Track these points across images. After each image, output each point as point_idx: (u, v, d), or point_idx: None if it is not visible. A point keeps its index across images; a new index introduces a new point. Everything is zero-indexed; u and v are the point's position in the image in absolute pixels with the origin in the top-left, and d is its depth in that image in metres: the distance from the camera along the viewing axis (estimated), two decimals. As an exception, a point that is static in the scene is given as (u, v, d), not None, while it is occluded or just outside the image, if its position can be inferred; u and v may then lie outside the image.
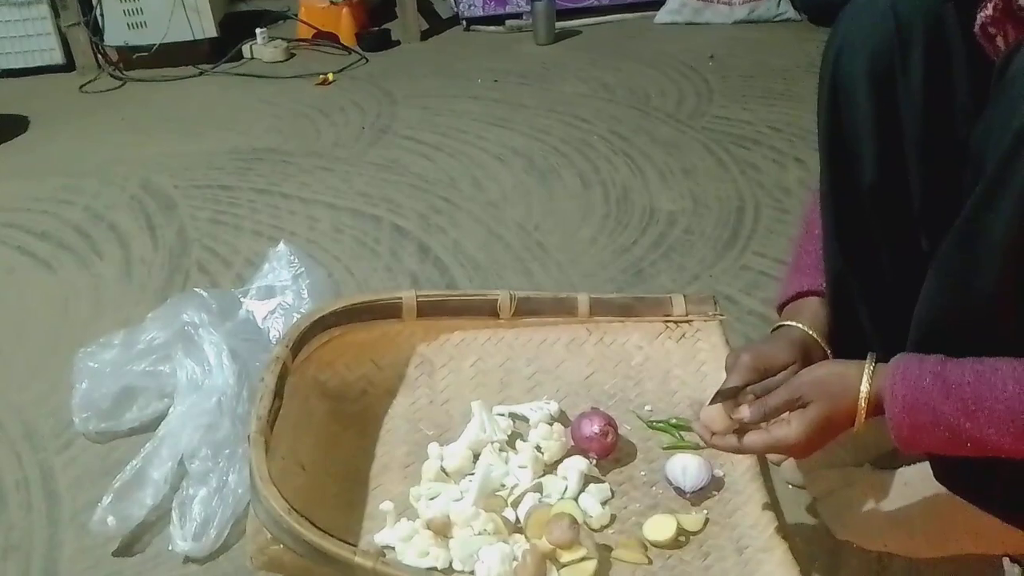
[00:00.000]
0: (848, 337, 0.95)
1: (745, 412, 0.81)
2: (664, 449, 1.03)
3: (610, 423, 1.03)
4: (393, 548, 0.92)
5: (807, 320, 0.90)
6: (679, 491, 0.98)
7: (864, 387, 0.73)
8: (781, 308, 0.94)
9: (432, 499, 0.98)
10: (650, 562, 0.90)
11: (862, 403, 0.74)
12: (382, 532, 0.93)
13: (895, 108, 0.78)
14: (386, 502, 0.95)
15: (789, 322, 0.90)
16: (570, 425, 1.07)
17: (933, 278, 0.75)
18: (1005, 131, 0.63)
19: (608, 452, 1.03)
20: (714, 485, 0.99)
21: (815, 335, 0.89)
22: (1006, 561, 0.87)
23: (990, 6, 0.71)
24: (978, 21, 0.72)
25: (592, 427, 1.02)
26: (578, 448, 1.04)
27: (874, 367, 0.74)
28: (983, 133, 0.67)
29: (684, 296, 1.17)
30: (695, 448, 1.01)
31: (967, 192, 0.69)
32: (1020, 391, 0.67)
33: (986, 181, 0.66)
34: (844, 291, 0.90)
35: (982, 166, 0.66)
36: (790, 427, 0.77)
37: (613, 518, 0.96)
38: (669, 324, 1.16)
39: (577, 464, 1.01)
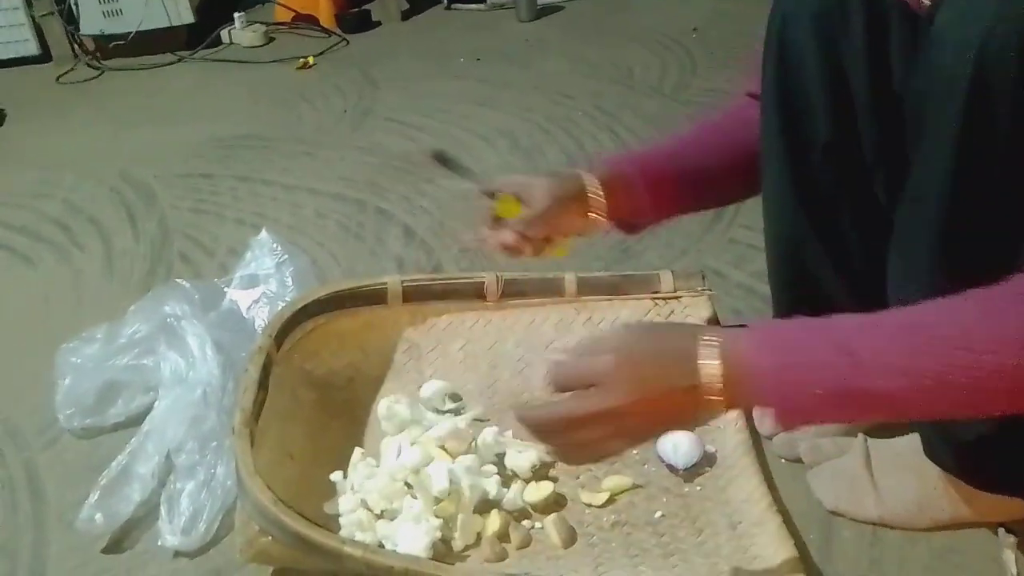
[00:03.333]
0: (810, 306, 0.95)
1: None
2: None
3: (600, 403, 1.02)
4: (339, 516, 0.92)
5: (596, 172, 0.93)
6: (671, 468, 0.98)
7: (702, 336, 0.62)
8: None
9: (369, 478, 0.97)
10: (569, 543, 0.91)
11: (700, 345, 0.61)
12: (330, 502, 0.94)
13: (842, 67, 0.81)
14: (336, 472, 0.95)
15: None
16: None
17: (894, 257, 0.76)
18: (936, 82, 0.65)
19: (599, 432, 1.02)
20: (706, 461, 0.98)
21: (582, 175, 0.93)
22: (1001, 531, 0.87)
23: None
24: None
25: (582, 407, 1.01)
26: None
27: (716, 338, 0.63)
28: (919, 86, 0.69)
29: (672, 272, 1.16)
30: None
31: (911, 148, 0.71)
32: (911, 315, 0.60)
33: (926, 134, 0.67)
34: (803, 256, 0.91)
35: (922, 120, 0.68)
36: (607, 357, 0.63)
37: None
38: (658, 301, 1.15)
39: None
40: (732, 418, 1.02)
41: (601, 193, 0.92)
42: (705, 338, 0.62)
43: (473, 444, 1.01)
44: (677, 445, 0.97)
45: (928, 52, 0.67)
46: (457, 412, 1.08)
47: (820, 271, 0.91)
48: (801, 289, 0.95)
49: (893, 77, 0.80)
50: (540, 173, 0.96)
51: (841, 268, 0.91)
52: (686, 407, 0.63)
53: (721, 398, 0.62)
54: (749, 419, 1.02)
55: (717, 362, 0.61)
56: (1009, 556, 0.85)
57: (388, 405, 1.03)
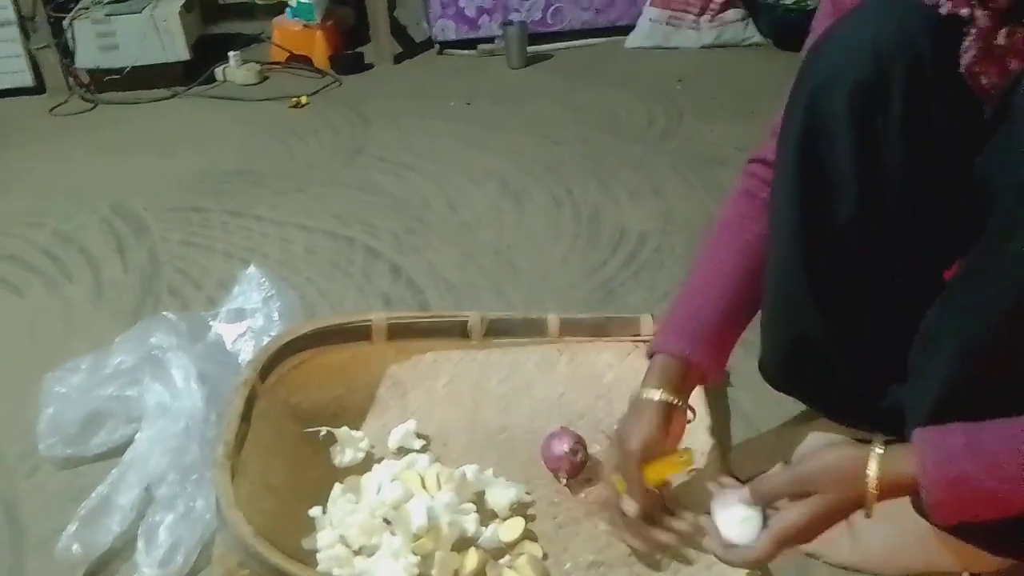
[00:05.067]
0: (802, 370, 0.96)
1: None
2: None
3: (580, 442, 1.03)
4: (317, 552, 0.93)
5: (650, 380, 0.93)
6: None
7: (873, 475, 0.72)
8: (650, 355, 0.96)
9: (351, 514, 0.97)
10: None
11: (872, 491, 0.72)
12: (309, 537, 0.94)
13: (876, 145, 0.79)
14: (316, 507, 0.96)
15: (649, 390, 0.92)
16: (540, 444, 1.07)
17: (950, 318, 0.75)
18: (1019, 167, 0.64)
19: (578, 471, 1.03)
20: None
21: (652, 395, 0.91)
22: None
23: (972, 48, 0.73)
24: (963, 64, 0.74)
25: (562, 446, 1.03)
26: (548, 467, 1.05)
27: (884, 449, 0.73)
28: (990, 163, 0.68)
29: (652, 315, 1.18)
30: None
31: (972, 220, 0.69)
32: None
33: (1003, 216, 0.66)
34: (803, 326, 0.91)
35: (991, 197, 0.67)
36: (790, 515, 0.76)
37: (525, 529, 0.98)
38: (638, 343, 1.17)
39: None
40: (709, 455, 1.04)
41: (679, 406, 0.93)
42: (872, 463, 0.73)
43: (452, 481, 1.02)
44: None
45: (1011, 131, 0.66)
46: (423, 451, 1.09)
47: (819, 342, 0.91)
48: (795, 355, 0.95)
49: (934, 156, 0.78)
50: (622, 434, 0.92)
51: (842, 340, 0.90)
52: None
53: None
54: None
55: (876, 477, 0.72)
56: (972, 599, 0.87)
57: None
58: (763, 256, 0.91)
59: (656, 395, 0.91)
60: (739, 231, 0.94)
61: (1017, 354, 0.69)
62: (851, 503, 0.74)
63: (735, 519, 0.80)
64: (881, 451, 0.73)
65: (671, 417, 0.92)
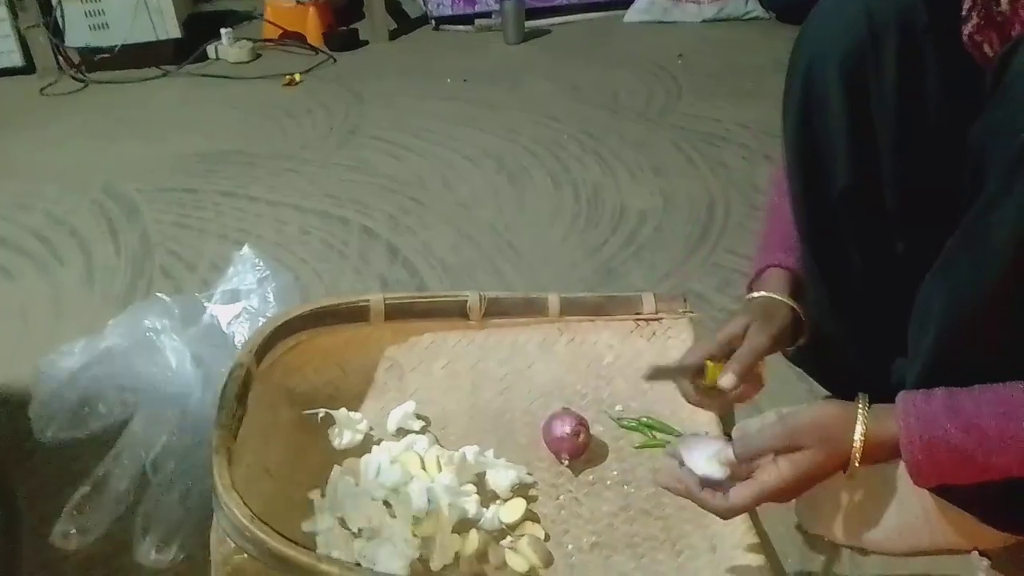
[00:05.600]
0: (817, 361, 0.96)
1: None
2: (636, 448, 1.03)
3: (581, 423, 1.02)
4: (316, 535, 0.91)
5: (768, 287, 0.90)
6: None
7: (859, 435, 0.72)
8: (749, 290, 0.94)
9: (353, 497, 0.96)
10: (546, 565, 0.90)
11: (856, 451, 0.72)
12: (307, 521, 0.93)
13: (868, 111, 0.78)
14: (314, 490, 0.94)
15: (752, 294, 0.90)
16: (541, 426, 1.06)
17: (939, 287, 0.74)
18: (1009, 138, 0.63)
19: (580, 452, 1.02)
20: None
21: (777, 296, 0.89)
22: (975, 555, 0.88)
23: (974, 16, 0.71)
24: (965, 32, 0.73)
25: (563, 427, 1.01)
26: (550, 449, 1.04)
27: (868, 408, 0.73)
28: (984, 134, 0.67)
29: (654, 294, 1.17)
30: (666, 446, 1.01)
31: (967, 191, 0.69)
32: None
33: (991, 186, 0.66)
34: (815, 298, 0.90)
35: (983, 168, 0.67)
36: (778, 471, 0.74)
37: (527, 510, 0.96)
38: (639, 323, 1.16)
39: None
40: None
41: (802, 309, 0.89)
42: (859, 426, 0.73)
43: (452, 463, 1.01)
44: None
45: (1001, 103, 0.65)
46: (422, 433, 1.07)
47: (823, 317, 0.90)
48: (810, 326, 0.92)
49: (926, 123, 0.77)
50: (741, 315, 0.90)
51: (845, 315, 0.90)
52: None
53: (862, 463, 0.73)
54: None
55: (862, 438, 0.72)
56: (984, 579, 0.86)
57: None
58: None
59: (784, 299, 0.89)
60: None
61: (1002, 323, 0.69)
62: (835, 462, 0.74)
63: (704, 456, 0.79)
64: (866, 411, 0.73)
65: (797, 323, 0.89)
